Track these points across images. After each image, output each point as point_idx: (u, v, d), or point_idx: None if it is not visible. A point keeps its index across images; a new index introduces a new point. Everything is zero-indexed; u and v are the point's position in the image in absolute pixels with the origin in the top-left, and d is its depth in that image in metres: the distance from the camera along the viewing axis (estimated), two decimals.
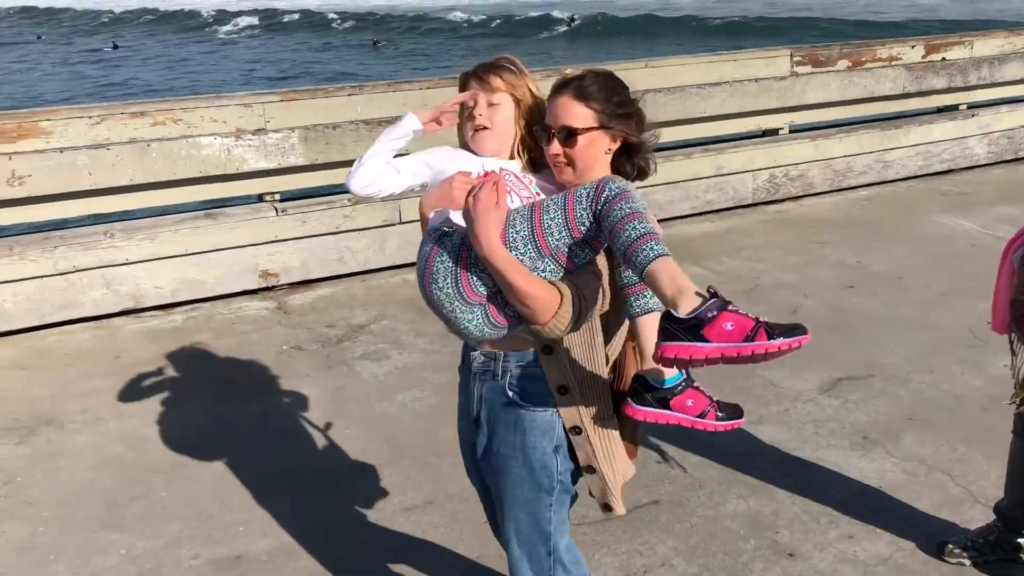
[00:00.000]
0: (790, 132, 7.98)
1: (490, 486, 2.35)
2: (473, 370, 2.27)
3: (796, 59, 7.76)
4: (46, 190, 5.40)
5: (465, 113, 2.28)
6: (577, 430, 2.17)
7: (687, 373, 2.07)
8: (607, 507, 2.28)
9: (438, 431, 4.01)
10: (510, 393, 2.19)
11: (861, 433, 4.09)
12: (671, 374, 2.05)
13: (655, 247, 1.83)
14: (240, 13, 52.73)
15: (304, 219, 6.00)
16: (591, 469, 2.21)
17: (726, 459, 3.86)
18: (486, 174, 2.17)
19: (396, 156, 2.33)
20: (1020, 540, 3.19)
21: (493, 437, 2.25)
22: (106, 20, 57.28)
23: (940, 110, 8.81)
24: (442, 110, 2.34)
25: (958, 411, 4.26)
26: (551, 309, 1.98)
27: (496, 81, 2.23)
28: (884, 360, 4.79)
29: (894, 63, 8.27)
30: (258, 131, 5.87)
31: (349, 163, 6.48)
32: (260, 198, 6.12)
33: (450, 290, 2.01)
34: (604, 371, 2.17)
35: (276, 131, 5.91)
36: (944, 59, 8.54)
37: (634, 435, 2.31)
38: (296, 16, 51.47)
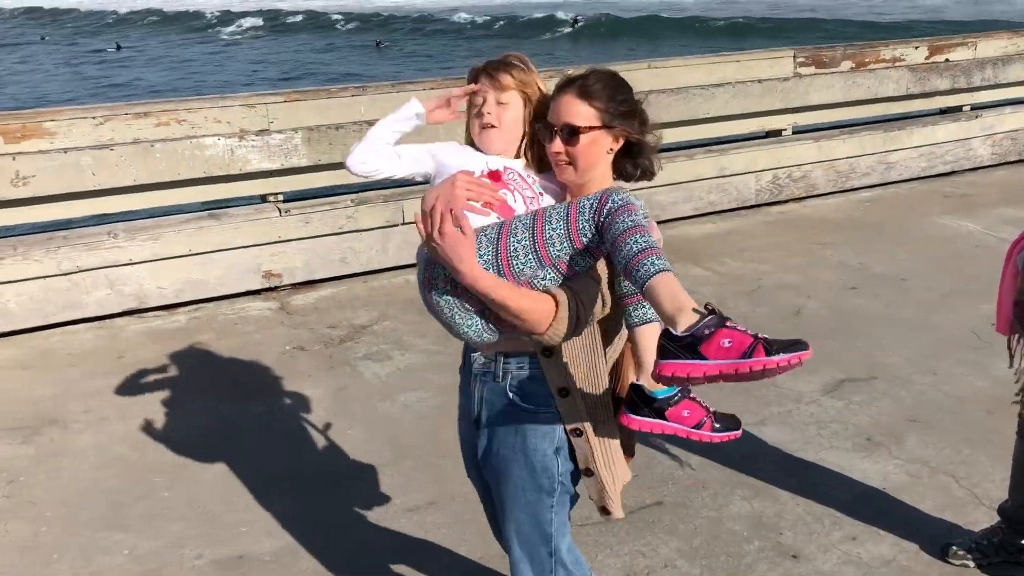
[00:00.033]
0: (793, 133, 7.98)
1: (491, 487, 2.35)
2: (474, 371, 2.27)
3: (799, 60, 7.75)
4: (50, 190, 5.41)
5: (473, 111, 2.26)
6: (577, 432, 2.17)
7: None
8: (605, 511, 2.28)
9: (440, 432, 4.01)
10: (511, 395, 2.19)
11: (864, 435, 4.09)
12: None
13: (656, 262, 1.81)
14: (244, 14, 52.82)
15: (307, 220, 6.01)
16: (589, 472, 2.21)
17: (729, 461, 3.86)
18: (489, 173, 2.17)
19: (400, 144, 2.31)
20: None
21: (494, 438, 2.25)
22: (110, 21, 57.38)
23: (943, 111, 8.80)
24: (449, 97, 2.31)
25: (961, 413, 4.25)
26: (547, 320, 1.98)
27: (507, 79, 2.20)
28: (887, 362, 4.78)
29: (897, 64, 8.26)
30: (261, 132, 5.87)
31: None
32: (263, 199, 6.12)
33: (449, 297, 2.02)
34: (604, 374, 2.17)
35: (279, 132, 5.91)
36: (948, 60, 8.53)
37: (630, 440, 2.30)
38: (300, 17, 51.54)
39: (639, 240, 1.84)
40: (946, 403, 4.35)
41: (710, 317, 1.72)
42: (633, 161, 2.20)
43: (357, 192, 6.31)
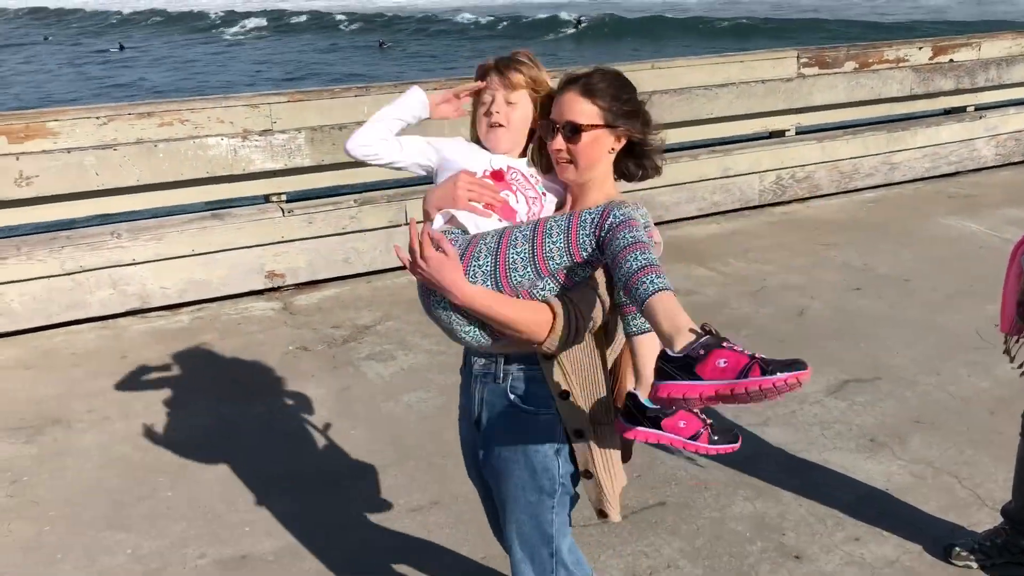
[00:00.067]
0: (797, 134, 7.97)
1: (492, 488, 2.35)
2: (474, 372, 2.26)
3: (803, 60, 7.74)
4: (53, 190, 5.42)
5: (481, 109, 2.24)
6: (578, 434, 2.16)
7: None
8: (602, 513, 2.27)
9: (444, 432, 4.01)
10: (511, 396, 2.19)
11: (868, 435, 4.08)
12: None
13: (655, 280, 1.81)
14: (248, 15, 52.87)
15: (310, 220, 6.01)
16: (589, 474, 2.21)
17: (732, 461, 3.85)
18: (492, 173, 2.16)
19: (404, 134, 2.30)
20: None
21: (494, 439, 2.25)
22: (114, 22, 57.46)
23: (947, 112, 8.79)
24: (456, 92, 2.30)
25: (965, 414, 4.25)
26: (544, 329, 1.99)
27: (517, 77, 2.19)
28: (891, 362, 4.78)
29: (901, 65, 8.25)
30: (264, 132, 5.88)
31: (355, 164, 6.43)
32: (266, 199, 6.13)
33: (448, 304, 2.03)
34: (605, 376, 2.17)
35: (282, 132, 5.92)
36: (951, 61, 8.52)
37: (629, 444, 2.30)
38: (304, 18, 51.58)
39: (639, 257, 1.83)
40: (950, 404, 4.34)
41: (705, 338, 1.71)
42: (635, 161, 2.20)
43: (360, 192, 6.32)
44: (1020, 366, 3.01)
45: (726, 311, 5.48)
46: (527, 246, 1.96)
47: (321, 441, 4.18)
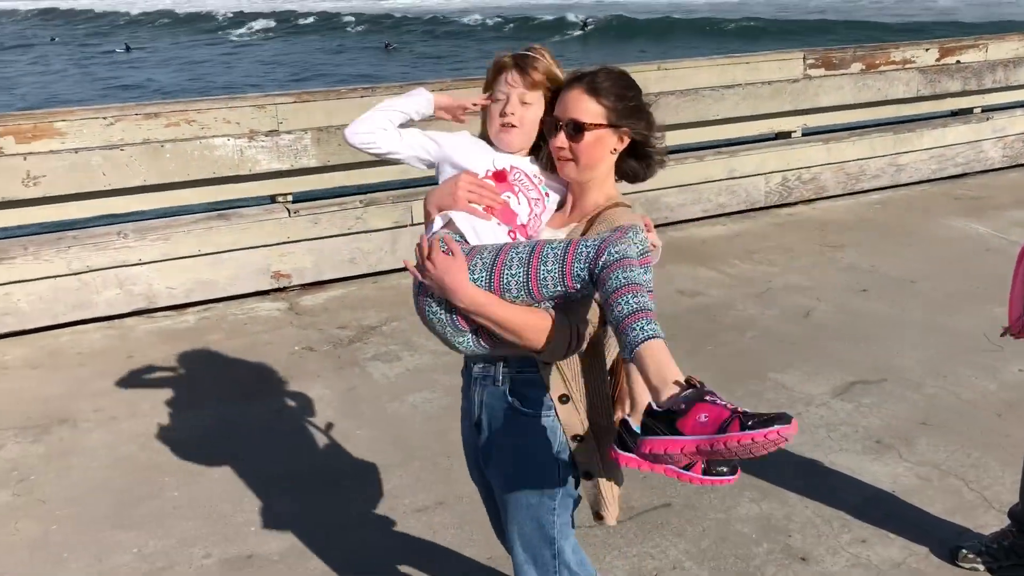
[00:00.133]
0: (803, 135, 7.96)
1: (493, 490, 2.34)
2: (474, 375, 2.26)
3: (809, 62, 7.73)
4: (60, 190, 5.44)
5: (495, 106, 2.20)
6: (577, 437, 2.16)
7: None
8: (599, 516, 2.27)
9: (449, 432, 4.00)
10: (510, 399, 2.18)
11: (874, 437, 4.07)
12: None
13: (645, 328, 1.76)
14: (256, 16, 52.95)
15: (316, 220, 6.02)
16: (588, 475, 2.20)
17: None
18: (494, 173, 2.15)
19: (405, 126, 2.28)
20: None
21: (494, 442, 2.24)
22: (122, 23, 57.59)
23: (954, 113, 8.78)
24: (463, 107, 2.29)
25: (972, 416, 4.23)
26: (544, 336, 1.98)
27: (537, 76, 2.15)
28: (897, 364, 4.77)
29: (908, 66, 8.24)
30: (271, 132, 5.89)
31: (361, 165, 6.41)
32: (272, 199, 6.14)
33: (443, 317, 2.02)
34: (604, 379, 2.17)
35: (289, 132, 5.93)
36: (958, 62, 8.50)
37: None
38: (311, 19, 51.65)
39: (631, 301, 1.79)
40: (957, 406, 4.33)
41: (687, 392, 1.67)
42: (637, 162, 2.19)
43: (366, 193, 6.33)
44: None
45: (732, 313, 5.47)
46: (522, 270, 1.94)
47: (327, 441, 4.18)
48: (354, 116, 2.29)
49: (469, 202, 2.09)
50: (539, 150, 2.21)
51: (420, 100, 2.29)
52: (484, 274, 1.95)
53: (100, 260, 5.50)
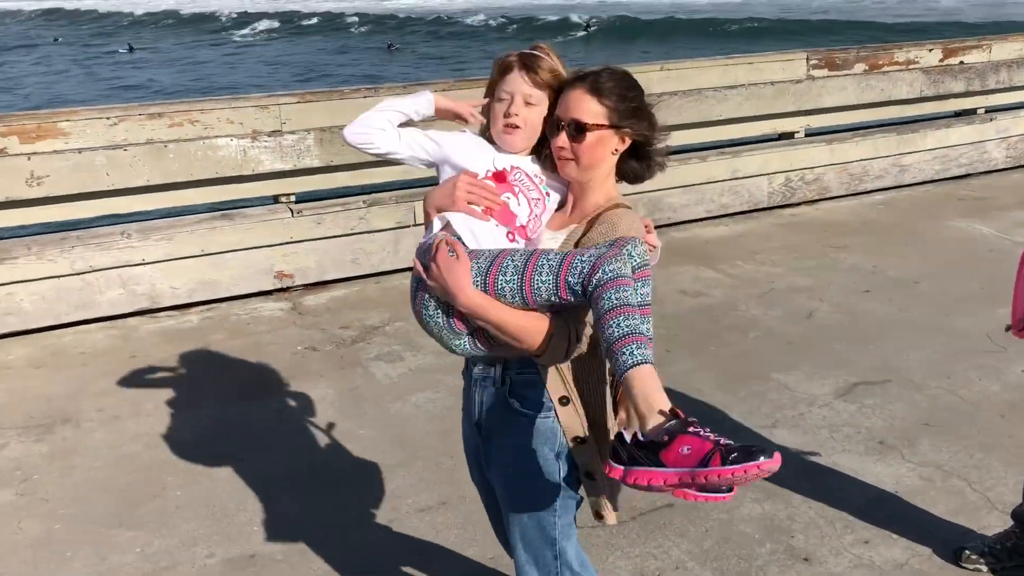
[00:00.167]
0: (806, 135, 7.96)
1: (494, 491, 2.34)
2: (474, 376, 2.25)
3: (812, 62, 7.73)
4: (64, 190, 5.45)
5: (499, 106, 2.17)
6: (578, 439, 2.16)
7: None
8: (599, 516, 2.27)
9: (451, 432, 4.00)
10: (511, 400, 2.18)
11: (877, 438, 4.07)
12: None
13: (635, 352, 1.76)
14: (260, 16, 53.01)
15: (319, 220, 6.03)
16: (589, 476, 2.20)
17: None
18: (494, 174, 2.15)
19: (405, 125, 2.26)
20: None
21: (495, 443, 2.24)
22: (125, 24, 57.67)
23: (958, 114, 8.77)
24: (462, 110, 2.28)
25: (975, 417, 4.23)
26: (542, 338, 1.98)
27: (543, 75, 2.14)
28: (900, 365, 4.76)
29: (911, 66, 8.23)
30: (274, 132, 5.89)
31: (364, 165, 6.40)
32: (276, 199, 6.15)
33: (440, 319, 2.03)
34: (604, 381, 2.16)
35: (292, 132, 5.93)
36: (962, 63, 8.49)
37: None
38: (315, 20, 51.69)
39: (622, 324, 1.78)
40: (960, 407, 4.32)
41: (671, 423, 1.67)
42: (638, 163, 2.18)
43: (369, 193, 6.33)
44: None
45: (734, 313, 5.47)
46: (516, 278, 1.94)
47: (329, 441, 4.18)
48: (357, 116, 2.28)
49: (468, 203, 2.09)
50: (541, 149, 2.20)
51: (420, 100, 2.28)
52: (479, 279, 1.95)
53: (103, 260, 5.50)
